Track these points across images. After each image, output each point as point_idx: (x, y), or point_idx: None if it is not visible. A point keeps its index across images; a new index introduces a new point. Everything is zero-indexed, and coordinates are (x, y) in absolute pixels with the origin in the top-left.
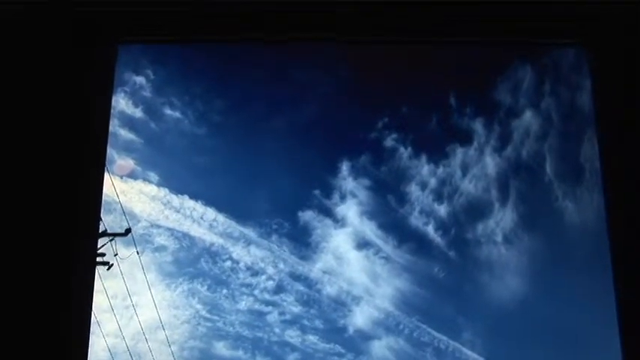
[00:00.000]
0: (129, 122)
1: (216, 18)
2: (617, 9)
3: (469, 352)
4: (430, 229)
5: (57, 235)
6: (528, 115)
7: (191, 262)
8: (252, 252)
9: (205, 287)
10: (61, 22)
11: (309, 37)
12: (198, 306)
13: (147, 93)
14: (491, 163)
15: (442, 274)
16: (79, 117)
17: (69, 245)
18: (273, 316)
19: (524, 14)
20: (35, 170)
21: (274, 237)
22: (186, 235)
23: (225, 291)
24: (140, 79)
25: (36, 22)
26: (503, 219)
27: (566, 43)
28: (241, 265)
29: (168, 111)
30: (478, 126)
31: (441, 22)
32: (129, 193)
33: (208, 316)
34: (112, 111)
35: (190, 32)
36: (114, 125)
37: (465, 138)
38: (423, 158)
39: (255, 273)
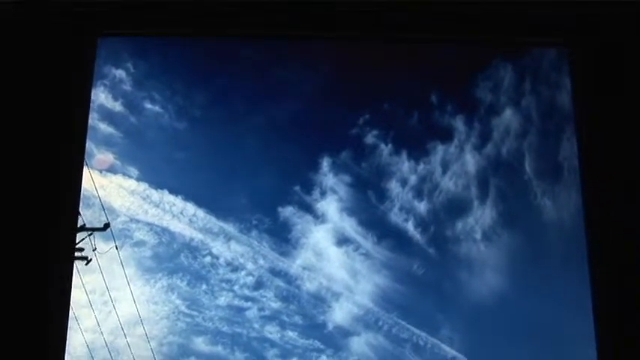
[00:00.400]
0: (108, 116)
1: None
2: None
3: (448, 349)
4: (410, 226)
5: (35, 230)
6: (508, 114)
7: (170, 258)
8: (232, 247)
9: (185, 282)
10: (40, 14)
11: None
12: (178, 301)
13: (127, 87)
14: (471, 161)
15: (421, 270)
16: (59, 110)
17: (47, 239)
18: (252, 312)
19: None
20: (14, 164)
21: (254, 232)
22: (165, 230)
23: (204, 286)
24: (120, 73)
25: (15, 15)
26: (482, 216)
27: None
28: (221, 260)
29: (148, 105)
30: (459, 123)
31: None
32: (108, 187)
33: (187, 311)
34: (91, 104)
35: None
36: (93, 119)
37: (446, 135)
38: (404, 155)
39: (235, 269)
